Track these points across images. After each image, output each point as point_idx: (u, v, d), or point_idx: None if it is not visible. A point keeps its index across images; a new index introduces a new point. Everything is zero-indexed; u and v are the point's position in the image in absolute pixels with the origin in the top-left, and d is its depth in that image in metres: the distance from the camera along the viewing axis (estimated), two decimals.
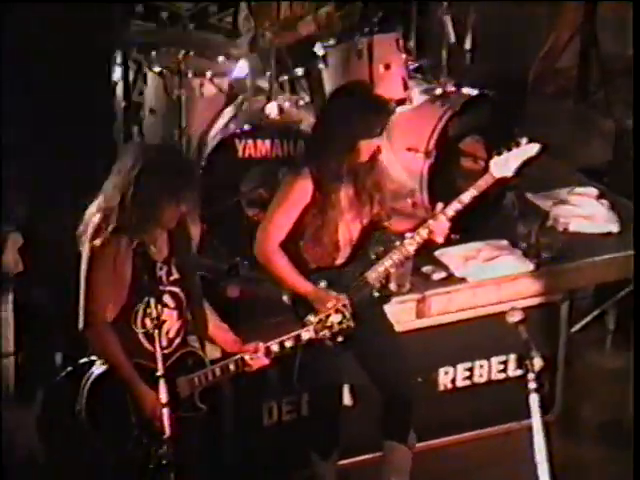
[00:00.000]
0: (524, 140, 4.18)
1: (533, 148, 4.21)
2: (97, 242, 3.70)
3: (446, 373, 4.91)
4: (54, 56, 4.71)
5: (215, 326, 3.98)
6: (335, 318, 3.99)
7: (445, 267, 4.90)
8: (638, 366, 3.80)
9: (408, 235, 4.20)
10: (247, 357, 3.89)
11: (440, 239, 4.24)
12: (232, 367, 3.88)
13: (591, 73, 6.59)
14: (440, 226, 4.19)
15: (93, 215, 3.76)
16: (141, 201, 3.68)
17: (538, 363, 3.23)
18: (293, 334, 3.96)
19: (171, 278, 3.83)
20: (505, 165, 4.20)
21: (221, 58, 5.20)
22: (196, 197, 3.84)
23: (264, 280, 4.49)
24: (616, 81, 6.51)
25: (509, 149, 4.18)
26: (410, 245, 4.19)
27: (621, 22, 6.78)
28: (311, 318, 4.05)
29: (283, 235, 4.18)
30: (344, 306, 4.03)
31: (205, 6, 5.50)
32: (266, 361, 3.93)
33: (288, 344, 3.95)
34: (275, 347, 3.94)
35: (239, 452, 4.61)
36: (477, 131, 5.10)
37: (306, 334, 3.98)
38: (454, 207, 4.18)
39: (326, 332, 3.98)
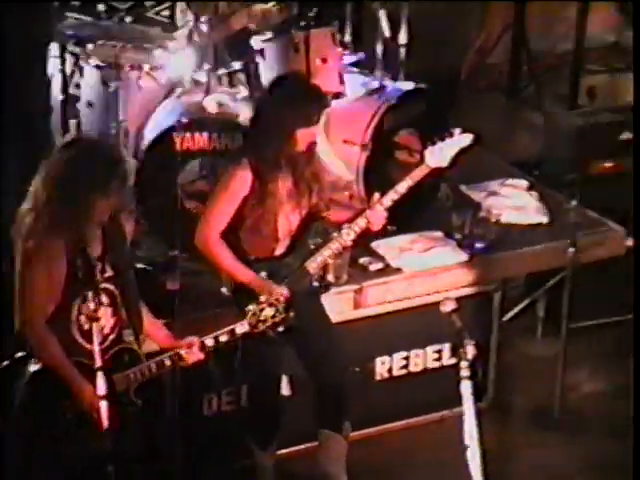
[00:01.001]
0: (457, 131, 4.18)
1: (466, 138, 4.21)
2: (30, 243, 3.60)
3: (383, 363, 4.88)
4: None
5: (150, 322, 3.90)
6: (268, 312, 3.94)
7: (382, 258, 4.87)
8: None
9: (346, 226, 4.17)
10: (182, 352, 3.81)
11: (377, 228, 4.20)
12: (167, 362, 3.82)
13: (521, 68, 6.63)
14: (377, 216, 4.17)
15: (25, 214, 3.65)
16: (68, 198, 3.58)
17: (471, 351, 3.23)
18: (227, 329, 3.90)
19: (105, 275, 3.74)
20: (440, 155, 4.19)
21: (159, 51, 5.09)
22: (128, 191, 3.76)
23: (203, 272, 4.43)
24: (545, 76, 6.57)
25: (443, 139, 4.17)
26: (348, 235, 4.16)
27: (549, 19, 6.83)
28: (250, 307, 3.99)
29: (223, 225, 4.13)
30: (277, 300, 3.98)
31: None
32: (201, 356, 3.86)
33: (223, 338, 3.88)
34: (210, 342, 3.87)
35: (179, 443, 4.53)
36: (412, 124, 5.08)
37: (240, 328, 3.91)
38: (390, 197, 4.16)
39: (260, 325, 3.93)
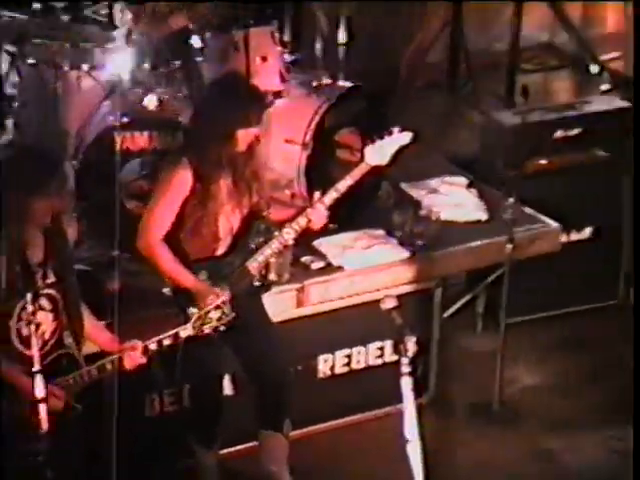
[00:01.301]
0: (396, 129, 4.20)
1: (405, 136, 4.23)
2: None
3: (325, 360, 4.84)
4: None
5: (92, 326, 3.82)
6: (214, 314, 3.86)
7: (323, 257, 4.83)
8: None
9: (287, 224, 4.15)
10: (124, 356, 3.75)
11: (318, 227, 4.19)
12: (109, 367, 3.75)
13: (459, 67, 6.64)
14: (318, 214, 4.15)
15: None
16: (7, 200, 3.49)
17: (412, 348, 3.23)
18: (171, 332, 3.82)
19: (47, 281, 3.66)
20: (379, 153, 4.20)
21: (98, 51, 4.99)
22: (68, 193, 3.69)
23: (144, 273, 4.35)
24: (483, 75, 6.59)
25: (382, 138, 4.19)
26: (289, 234, 4.14)
27: (486, 19, 6.86)
28: (194, 311, 3.94)
29: (166, 228, 4.07)
30: (223, 302, 3.91)
31: None
32: (143, 360, 3.78)
33: (166, 342, 3.81)
34: (153, 346, 3.80)
35: (122, 444, 4.45)
36: (352, 123, 5.06)
37: (184, 332, 3.84)
38: (331, 196, 4.16)
39: (205, 328, 3.86)
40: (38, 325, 3.50)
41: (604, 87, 6.10)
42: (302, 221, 4.14)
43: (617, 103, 5.67)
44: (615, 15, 7.10)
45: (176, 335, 3.84)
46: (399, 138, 4.22)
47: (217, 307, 3.89)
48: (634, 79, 4.95)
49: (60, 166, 3.63)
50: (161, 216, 4.08)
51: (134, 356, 3.78)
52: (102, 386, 3.93)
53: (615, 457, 4.72)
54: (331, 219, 4.25)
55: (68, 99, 4.92)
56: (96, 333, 3.84)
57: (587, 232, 5.50)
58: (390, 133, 4.21)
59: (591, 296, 5.58)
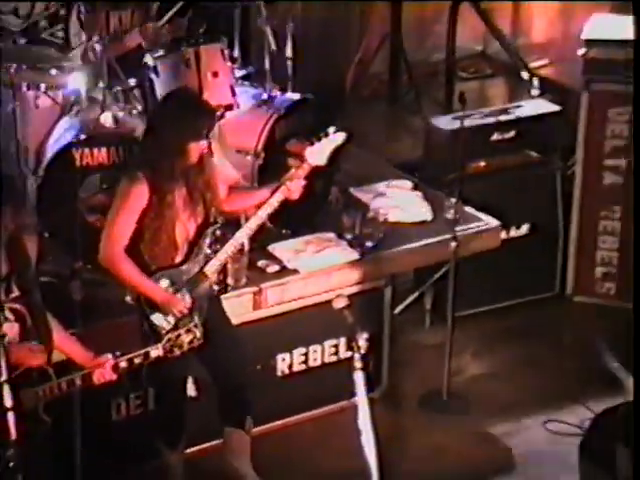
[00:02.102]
0: (332, 130, 4.23)
1: (340, 137, 4.26)
2: None
3: (283, 359, 4.79)
4: None
5: (62, 337, 3.72)
6: (186, 338, 3.81)
7: (278, 260, 4.78)
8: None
9: (241, 229, 4.19)
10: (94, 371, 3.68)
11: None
12: (78, 382, 3.67)
13: (401, 78, 6.65)
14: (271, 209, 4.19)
15: None
16: None
17: (364, 344, 3.21)
18: (142, 352, 3.76)
19: (11, 295, 3.58)
20: (319, 154, 4.23)
21: (54, 71, 4.91)
22: (27, 210, 3.62)
23: (107, 283, 4.26)
24: (423, 84, 6.61)
25: (320, 139, 4.22)
26: (242, 238, 4.18)
27: (423, 31, 6.88)
28: (157, 318, 3.92)
29: (126, 240, 4.01)
30: (196, 325, 3.87)
31: (35, 21, 5.19)
32: (113, 376, 3.71)
33: (137, 360, 3.75)
34: (123, 364, 3.73)
35: (89, 449, 4.38)
36: (301, 133, 5.03)
37: (155, 352, 3.78)
38: (278, 198, 4.17)
39: (175, 350, 3.81)
40: (3, 337, 3.40)
41: (534, 92, 6.16)
42: (253, 223, 4.16)
43: (547, 107, 5.70)
44: (542, 25, 7.18)
45: (147, 354, 3.79)
46: (335, 138, 4.25)
47: (189, 331, 3.82)
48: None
49: (16, 186, 3.55)
50: (121, 230, 4.02)
51: (105, 372, 3.71)
52: (70, 393, 3.87)
53: (557, 438, 4.73)
54: (284, 225, 4.26)
55: (26, 118, 4.84)
56: (68, 345, 3.76)
57: (525, 229, 5.52)
58: (327, 134, 4.24)
59: (530, 289, 5.60)
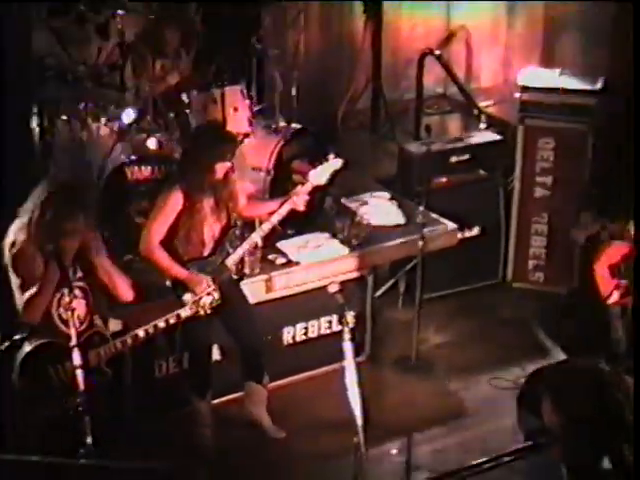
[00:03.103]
0: (332, 156, 4.29)
1: (338, 162, 4.31)
2: (13, 250, 3.58)
3: (288, 332, 4.82)
4: None
5: (121, 280, 3.80)
6: (207, 299, 3.88)
7: (285, 254, 4.81)
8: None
9: (257, 230, 4.22)
10: (140, 332, 3.74)
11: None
12: (129, 341, 3.74)
13: (380, 112, 6.69)
14: (279, 218, 4.23)
15: (12, 232, 3.62)
16: (47, 220, 3.54)
17: (351, 320, 3.23)
18: (174, 313, 3.82)
19: (77, 275, 3.67)
20: (320, 175, 4.27)
21: (112, 107, 5.02)
22: (93, 214, 3.72)
23: (152, 270, 4.30)
24: (397, 117, 6.64)
25: (321, 163, 4.26)
26: (256, 238, 4.22)
27: (397, 76, 6.91)
28: (187, 297, 3.96)
29: (162, 236, 4.06)
30: (214, 290, 3.92)
31: (99, 69, 5.27)
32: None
33: (171, 321, 3.82)
34: (161, 324, 3.79)
35: (137, 399, 4.41)
36: (303, 155, 5.06)
37: (184, 312, 3.85)
38: (286, 208, 4.21)
39: (200, 310, 3.88)
40: (73, 310, 3.51)
41: (482, 126, 6.22)
42: (266, 226, 4.20)
43: (492, 136, 5.74)
44: (488, 73, 7.23)
45: (178, 315, 3.84)
46: (334, 163, 4.29)
47: (209, 294, 3.89)
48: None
49: (89, 199, 3.66)
50: (158, 227, 4.07)
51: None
52: (124, 355, 3.92)
53: (500, 392, 4.77)
54: (290, 227, 4.31)
55: (91, 144, 4.93)
56: (123, 285, 3.80)
57: (476, 230, 5.54)
58: (327, 160, 4.27)
59: (480, 276, 5.63)
